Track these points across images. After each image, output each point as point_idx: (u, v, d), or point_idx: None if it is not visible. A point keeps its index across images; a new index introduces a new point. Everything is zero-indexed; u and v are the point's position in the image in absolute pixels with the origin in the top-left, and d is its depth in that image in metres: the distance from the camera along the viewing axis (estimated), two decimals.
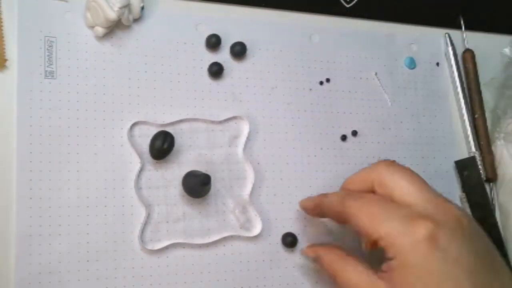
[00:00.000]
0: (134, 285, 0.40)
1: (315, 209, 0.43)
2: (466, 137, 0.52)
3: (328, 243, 0.44)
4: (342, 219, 0.40)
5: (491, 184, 0.52)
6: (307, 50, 0.49)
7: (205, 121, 0.45)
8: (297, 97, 0.48)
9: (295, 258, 0.44)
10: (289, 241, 0.44)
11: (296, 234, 0.45)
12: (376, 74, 0.51)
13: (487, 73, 0.55)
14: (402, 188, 0.39)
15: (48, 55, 0.42)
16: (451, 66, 0.53)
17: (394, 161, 0.41)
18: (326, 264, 0.41)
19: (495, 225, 0.51)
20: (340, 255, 0.40)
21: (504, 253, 0.50)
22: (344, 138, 0.48)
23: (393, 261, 0.36)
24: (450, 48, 0.54)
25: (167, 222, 0.42)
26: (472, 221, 0.38)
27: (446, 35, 0.54)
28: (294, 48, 0.49)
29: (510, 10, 0.57)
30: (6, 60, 0.41)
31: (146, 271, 0.41)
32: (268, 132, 0.46)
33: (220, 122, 0.45)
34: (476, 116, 0.53)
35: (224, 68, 0.46)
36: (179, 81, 0.45)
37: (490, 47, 0.55)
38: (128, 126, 0.42)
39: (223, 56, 0.46)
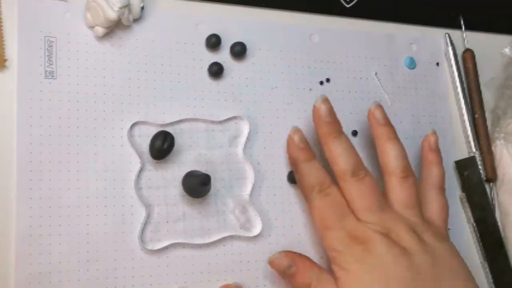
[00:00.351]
0: (134, 285, 0.40)
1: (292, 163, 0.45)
2: (466, 137, 0.53)
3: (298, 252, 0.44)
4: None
5: (491, 184, 0.52)
6: (307, 50, 0.49)
7: (205, 121, 0.45)
8: (297, 97, 0.48)
9: None
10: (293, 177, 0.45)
11: (296, 234, 0.45)
12: (376, 74, 0.51)
13: (487, 73, 0.55)
14: (360, 202, 0.41)
15: (48, 55, 0.42)
16: (451, 66, 0.53)
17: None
18: (299, 272, 0.41)
19: (495, 225, 0.51)
20: (312, 265, 0.42)
21: (504, 253, 0.50)
22: None
23: (338, 282, 0.40)
24: (450, 48, 0.54)
25: (167, 222, 0.42)
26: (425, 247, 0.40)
27: (446, 35, 0.54)
28: (294, 48, 0.49)
29: (510, 10, 0.57)
30: (6, 60, 0.41)
31: (146, 271, 0.41)
32: (268, 132, 0.46)
33: (220, 122, 0.45)
34: (476, 116, 0.53)
35: (224, 68, 0.46)
36: (179, 81, 0.45)
37: (490, 47, 0.55)
38: (128, 126, 0.42)
39: (223, 56, 0.46)
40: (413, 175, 0.43)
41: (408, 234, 0.40)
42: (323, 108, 0.43)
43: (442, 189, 0.45)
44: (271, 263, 0.42)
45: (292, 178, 0.45)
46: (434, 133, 0.47)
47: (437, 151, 0.47)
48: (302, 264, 0.41)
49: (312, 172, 0.43)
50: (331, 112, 0.44)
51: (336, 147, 0.43)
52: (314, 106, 0.44)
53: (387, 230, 0.40)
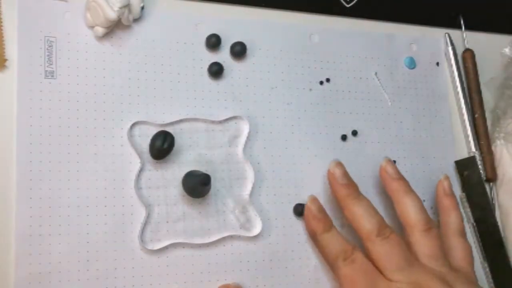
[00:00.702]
0: (134, 285, 0.40)
1: (311, 231, 0.45)
2: (466, 137, 0.53)
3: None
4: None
5: (491, 184, 0.52)
6: (307, 50, 0.49)
7: (205, 121, 0.45)
8: (297, 97, 0.48)
9: (296, 259, 0.44)
10: (300, 210, 0.45)
11: (296, 234, 0.45)
12: (376, 74, 0.51)
13: (487, 73, 0.55)
14: (388, 262, 0.41)
15: (48, 55, 0.42)
16: (451, 66, 0.53)
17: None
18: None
19: (495, 225, 0.51)
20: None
21: (504, 253, 0.50)
22: (344, 138, 0.48)
23: None
24: (450, 48, 0.53)
25: (167, 222, 0.42)
26: None
27: (446, 35, 0.54)
28: (294, 48, 0.49)
29: (510, 10, 0.57)
30: (6, 60, 0.41)
31: (146, 271, 0.41)
32: (268, 132, 0.46)
33: (220, 122, 0.45)
34: (476, 116, 0.53)
35: (224, 68, 0.46)
36: (179, 81, 0.45)
37: (490, 47, 0.55)
38: (128, 126, 0.42)
39: (223, 56, 0.46)
40: (435, 226, 0.44)
41: (441, 285, 0.40)
42: (337, 172, 0.44)
43: (463, 233, 0.46)
44: None
45: (298, 212, 0.45)
46: (447, 178, 0.48)
47: (452, 195, 0.47)
48: None
49: (333, 242, 0.43)
50: (346, 174, 0.45)
51: (358, 209, 0.43)
52: (329, 171, 0.45)
53: (421, 286, 0.40)
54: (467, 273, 0.43)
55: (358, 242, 0.43)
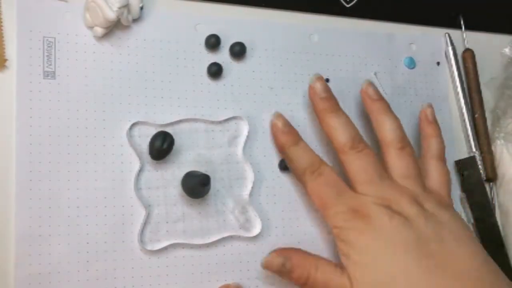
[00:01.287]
0: (134, 285, 0.40)
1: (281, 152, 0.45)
2: (466, 136, 0.52)
3: (291, 247, 0.44)
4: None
5: (491, 183, 0.52)
6: (307, 50, 0.49)
7: (204, 121, 0.44)
8: (297, 97, 0.48)
9: None
10: (284, 165, 0.45)
11: (296, 234, 0.45)
12: (375, 74, 0.51)
13: (487, 73, 0.55)
14: (359, 175, 0.42)
15: (47, 55, 0.42)
16: (451, 66, 0.53)
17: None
18: (295, 265, 0.41)
19: (495, 225, 0.51)
20: (307, 255, 0.42)
21: (504, 253, 0.50)
22: None
23: (344, 258, 0.40)
24: (450, 48, 0.53)
25: (167, 222, 0.42)
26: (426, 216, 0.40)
27: (446, 35, 0.54)
28: (294, 48, 0.49)
29: (510, 10, 0.57)
30: (6, 60, 0.41)
31: (146, 271, 0.41)
32: (268, 132, 0.46)
33: (220, 122, 0.45)
34: (476, 115, 0.53)
35: (224, 68, 0.46)
36: (178, 81, 0.45)
37: (490, 47, 0.55)
38: (128, 126, 0.42)
39: (223, 56, 0.46)
40: (410, 145, 0.44)
41: (409, 204, 0.40)
42: (318, 86, 0.44)
43: (442, 158, 0.45)
44: (265, 266, 0.42)
45: (283, 166, 0.45)
46: (430, 105, 0.48)
47: (435, 122, 0.47)
48: (296, 257, 0.41)
49: (301, 155, 0.43)
50: (326, 88, 0.44)
51: (334, 122, 0.43)
52: (309, 85, 0.45)
53: (388, 201, 0.40)
54: (441, 196, 0.43)
55: None
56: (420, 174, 0.43)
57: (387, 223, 0.39)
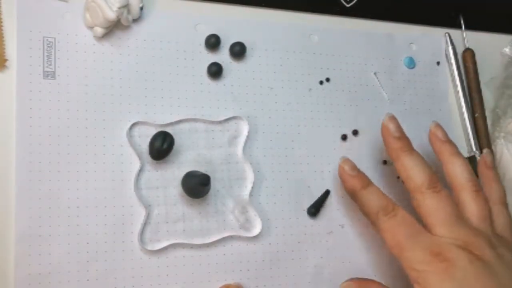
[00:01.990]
0: (133, 285, 0.40)
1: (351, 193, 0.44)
2: (466, 136, 0.52)
3: (365, 278, 0.45)
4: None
5: None
6: (307, 50, 0.49)
7: (204, 121, 0.44)
8: (297, 97, 0.48)
9: (296, 259, 0.44)
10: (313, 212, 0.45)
11: (296, 234, 0.45)
12: (375, 74, 0.51)
13: (487, 72, 0.55)
14: (437, 216, 0.41)
15: (47, 56, 0.42)
16: (451, 65, 0.53)
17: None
18: None
19: None
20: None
21: None
22: (344, 137, 0.48)
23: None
24: (450, 48, 0.53)
25: (167, 222, 0.42)
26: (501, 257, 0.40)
27: (446, 34, 0.54)
28: (294, 48, 0.49)
29: (510, 10, 0.57)
30: (6, 60, 0.41)
31: (146, 271, 0.41)
32: (268, 132, 0.46)
33: (220, 122, 0.45)
34: (476, 115, 0.53)
35: (224, 68, 0.46)
36: (178, 82, 0.45)
37: (490, 46, 0.55)
38: (128, 126, 0.42)
39: (223, 56, 0.46)
40: (482, 189, 0.44)
41: (487, 247, 0.39)
42: (391, 125, 0.44)
43: (505, 204, 0.45)
44: None
45: (312, 212, 0.45)
46: (489, 152, 0.48)
47: (493, 168, 0.47)
48: None
49: (372, 198, 0.43)
50: (399, 128, 0.44)
51: (409, 161, 0.42)
52: (382, 124, 0.44)
53: (467, 244, 0.39)
54: (508, 240, 0.43)
55: None
56: (491, 217, 0.43)
57: (468, 267, 0.38)
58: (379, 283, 0.43)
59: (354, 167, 0.44)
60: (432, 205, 0.41)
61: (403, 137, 0.44)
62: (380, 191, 0.43)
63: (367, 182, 0.43)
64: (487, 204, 0.43)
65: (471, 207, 0.42)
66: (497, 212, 0.44)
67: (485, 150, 0.49)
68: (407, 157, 0.43)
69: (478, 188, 0.43)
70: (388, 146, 0.44)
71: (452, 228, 0.40)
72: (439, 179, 0.42)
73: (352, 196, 0.44)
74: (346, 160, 0.45)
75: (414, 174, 0.42)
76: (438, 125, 0.46)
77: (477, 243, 0.39)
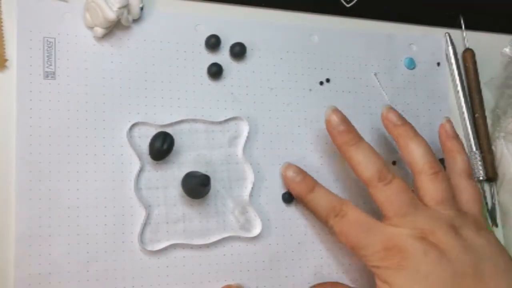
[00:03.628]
0: (134, 285, 0.40)
1: (298, 197, 0.44)
2: (467, 136, 0.52)
3: (333, 281, 0.45)
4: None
5: (491, 183, 0.52)
6: (307, 50, 0.49)
7: (204, 121, 0.44)
8: (297, 97, 0.48)
9: (296, 259, 0.44)
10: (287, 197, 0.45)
11: (296, 235, 0.45)
12: (375, 74, 0.51)
13: (487, 72, 0.55)
14: (391, 207, 0.40)
15: (47, 56, 0.42)
16: (451, 65, 0.53)
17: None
18: None
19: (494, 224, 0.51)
20: None
21: None
22: None
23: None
24: (450, 48, 0.53)
25: (167, 223, 0.42)
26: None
27: (446, 34, 0.54)
28: (294, 48, 0.49)
29: (510, 10, 0.57)
30: (6, 60, 0.41)
31: (146, 272, 0.41)
32: (268, 132, 0.46)
33: (220, 123, 0.45)
34: (476, 115, 0.53)
35: (224, 68, 0.46)
36: (178, 82, 0.45)
37: (490, 46, 0.55)
38: (128, 126, 0.42)
39: (223, 56, 0.46)
40: (442, 169, 0.42)
41: (445, 234, 0.38)
42: (334, 118, 0.43)
43: (470, 175, 0.44)
44: None
45: (286, 198, 0.45)
46: (449, 120, 0.46)
47: (456, 137, 0.46)
48: None
49: (319, 201, 0.42)
50: (343, 120, 0.43)
51: (357, 155, 0.41)
52: (326, 119, 0.43)
53: (423, 232, 0.39)
54: (475, 216, 0.42)
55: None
56: (454, 197, 0.42)
57: (422, 258, 0.37)
58: (339, 283, 0.43)
59: (298, 171, 0.44)
60: (385, 197, 0.40)
61: (348, 130, 0.42)
62: (327, 191, 0.43)
63: (312, 185, 0.43)
64: (448, 183, 0.42)
65: (430, 190, 0.41)
66: (462, 187, 0.43)
67: (444, 118, 0.46)
68: (354, 151, 0.42)
69: (437, 169, 0.41)
70: (334, 141, 0.43)
71: (407, 218, 0.39)
72: (389, 169, 0.41)
73: (301, 203, 0.44)
74: (287, 166, 0.44)
75: (363, 168, 0.41)
76: (389, 108, 0.45)
77: (434, 230, 0.39)
